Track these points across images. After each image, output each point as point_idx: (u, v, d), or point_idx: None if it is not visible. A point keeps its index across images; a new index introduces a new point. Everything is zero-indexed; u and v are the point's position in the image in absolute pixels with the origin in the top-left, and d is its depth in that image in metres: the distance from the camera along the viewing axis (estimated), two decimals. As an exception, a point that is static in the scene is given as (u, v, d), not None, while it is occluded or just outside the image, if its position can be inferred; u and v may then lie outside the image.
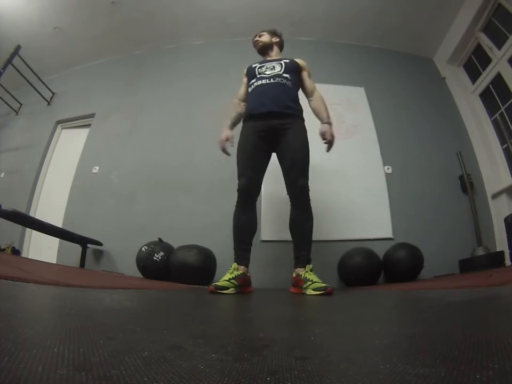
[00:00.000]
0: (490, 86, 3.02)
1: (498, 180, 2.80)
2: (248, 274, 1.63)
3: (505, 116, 2.84)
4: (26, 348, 0.27)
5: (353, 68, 3.44)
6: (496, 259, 2.18)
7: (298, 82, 1.83)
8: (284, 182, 1.71)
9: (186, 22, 3.48)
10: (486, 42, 2.97)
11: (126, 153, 3.22)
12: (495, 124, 2.98)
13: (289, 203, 1.72)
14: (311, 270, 1.55)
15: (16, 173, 3.56)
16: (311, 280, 1.47)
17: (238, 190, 1.65)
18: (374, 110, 3.13)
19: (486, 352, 0.27)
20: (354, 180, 2.79)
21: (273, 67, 1.77)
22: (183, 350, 0.33)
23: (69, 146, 3.61)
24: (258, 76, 1.77)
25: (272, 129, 1.67)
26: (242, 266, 1.59)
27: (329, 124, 1.73)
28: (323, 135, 1.71)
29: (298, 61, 1.86)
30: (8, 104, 3.94)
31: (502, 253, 2.21)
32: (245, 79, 1.91)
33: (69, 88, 3.94)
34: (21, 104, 4.06)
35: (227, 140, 1.77)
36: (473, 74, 3.25)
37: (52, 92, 3.95)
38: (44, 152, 3.59)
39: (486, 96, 3.12)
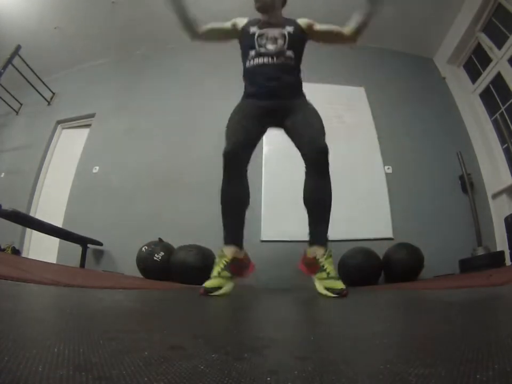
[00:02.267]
0: (491, 86, 3.02)
1: (498, 179, 2.80)
2: (242, 256, 1.35)
3: (506, 115, 2.83)
4: (27, 347, 0.27)
5: (353, 68, 3.43)
6: (496, 259, 2.18)
7: (301, 53, 1.63)
8: (299, 148, 1.44)
9: (187, 22, 3.47)
10: (486, 42, 2.96)
11: (126, 153, 3.22)
12: (495, 123, 2.98)
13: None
14: (330, 257, 1.31)
15: (17, 173, 3.56)
16: (328, 273, 1.25)
17: (223, 155, 1.33)
18: (374, 110, 3.12)
19: (486, 352, 0.27)
20: (354, 180, 2.79)
21: (275, 39, 1.52)
22: (183, 350, 0.33)
23: (69, 146, 3.61)
24: (257, 49, 1.51)
25: (274, 109, 1.49)
26: (232, 248, 1.31)
27: None
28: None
29: (302, 24, 1.62)
30: (8, 104, 3.94)
31: (502, 252, 2.21)
32: (229, 27, 1.70)
33: (69, 88, 3.94)
34: (21, 104, 4.06)
35: None
36: (474, 74, 3.25)
37: (52, 92, 3.95)
38: (44, 152, 3.59)
39: (486, 96, 3.12)
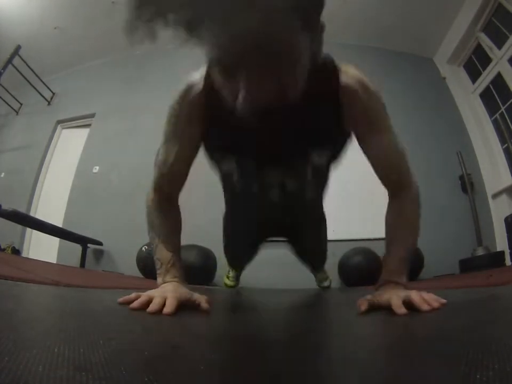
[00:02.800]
0: (491, 86, 3.02)
1: (498, 179, 2.80)
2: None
3: (506, 115, 2.83)
4: (27, 348, 0.27)
5: (353, 67, 3.44)
6: (496, 259, 2.18)
7: None
8: None
9: (187, 22, 3.47)
10: (486, 42, 2.96)
11: (126, 153, 3.22)
12: (495, 123, 2.98)
13: None
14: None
15: (17, 172, 3.56)
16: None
17: None
18: (374, 110, 3.12)
19: (486, 352, 0.27)
20: (354, 180, 2.79)
21: None
22: (183, 350, 0.33)
23: (69, 146, 3.61)
24: None
25: None
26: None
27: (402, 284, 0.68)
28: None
29: None
30: (8, 104, 3.95)
31: (502, 253, 2.21)
32: None
33: (69, 88, 3.94)
34: (21, 104, 4.06)
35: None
36: (474, 74, 3.25)
37: (52, 92, 3.95)
38: (44, 152, 3.59)
39: (486, 96, 3.12)
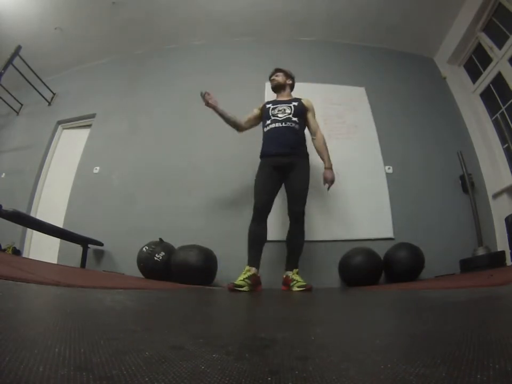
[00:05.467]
0: (491, 85, 3.02)
1: (499, 179, 2.80)
2: (259, 275, 1.93)
3: (506, 115, 2.83)
4: (28, 348, 0.27)
5: (354, 67, 3.43)
6: (497, 259, 2.17)
7: (304, 123, 2.16)
8: (288, 204, 2.05)
9: (186, 22, 3.47)
10: (487, 42, 2.96)
11: (127, 153, 3.22)
12: (496, 123, 2.97)
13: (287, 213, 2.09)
14: (297, 273, 1.98)
15: (17, 173, 3.56)
16: (296, 280, 1.92)
17: (253, 208, 1.98)
18: (374, 110, 3.12)
19: (486, 352, 0.27)
20: (355, 180, 2.79)
21: (284, 110, 2.11)
22: (184, 350, 0.33)
23: (70, 147, 3.61)
24: (272, 118, 2.11)
25: (282, 165, 2.02)
26: (254, 268, 1.89)
27: (330, 168, 2.10)
28: (325, 180, 2.10)
29: (305, 102, 2.17)
30: (8, 105, 3.95)
31: (502, 253, 2.20)
32: (257, 111, 2.30)
33: (69, 89, 3.94)
34: (22, 105, 4.06)
35: (208, 98, 2.22)
36: (474, 74, 3.24)
37: (52, 92, 3.95)
38: (45, 153, 3.59)
39: (486, 96, 3.11)
